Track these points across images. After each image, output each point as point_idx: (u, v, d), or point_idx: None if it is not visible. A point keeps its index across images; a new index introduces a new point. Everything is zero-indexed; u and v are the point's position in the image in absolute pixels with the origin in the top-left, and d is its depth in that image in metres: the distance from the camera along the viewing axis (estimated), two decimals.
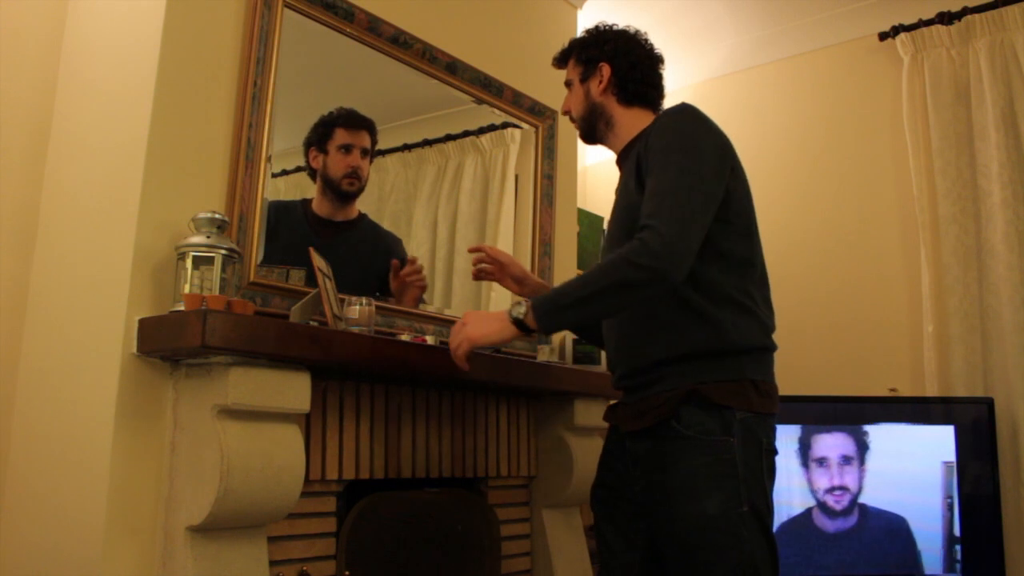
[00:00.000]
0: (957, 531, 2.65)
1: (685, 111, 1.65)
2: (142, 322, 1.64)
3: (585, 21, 3.11)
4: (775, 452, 1.61)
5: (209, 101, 1.85)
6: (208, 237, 1.65)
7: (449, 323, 2.22)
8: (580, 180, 3.38)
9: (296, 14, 2.03)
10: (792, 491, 2.71)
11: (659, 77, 1.82)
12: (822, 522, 2.70)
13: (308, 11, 2.06)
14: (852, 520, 2.69)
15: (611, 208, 1.78)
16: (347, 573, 1.86)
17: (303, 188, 2.18)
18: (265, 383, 1.60)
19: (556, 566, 2.36)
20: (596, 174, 3.87)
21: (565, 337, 2.64)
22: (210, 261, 1.64)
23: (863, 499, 2.70)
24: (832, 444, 2.73)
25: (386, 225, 2.35)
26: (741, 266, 1.61)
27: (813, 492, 2.71)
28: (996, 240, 2.87)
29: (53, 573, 1.66)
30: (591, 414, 2.38)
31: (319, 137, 2.18)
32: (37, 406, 1.82)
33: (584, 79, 1.81)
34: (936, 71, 3.10)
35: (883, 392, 3.03)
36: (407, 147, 2.45)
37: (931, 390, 2.93)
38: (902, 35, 3.18)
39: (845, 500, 2.70)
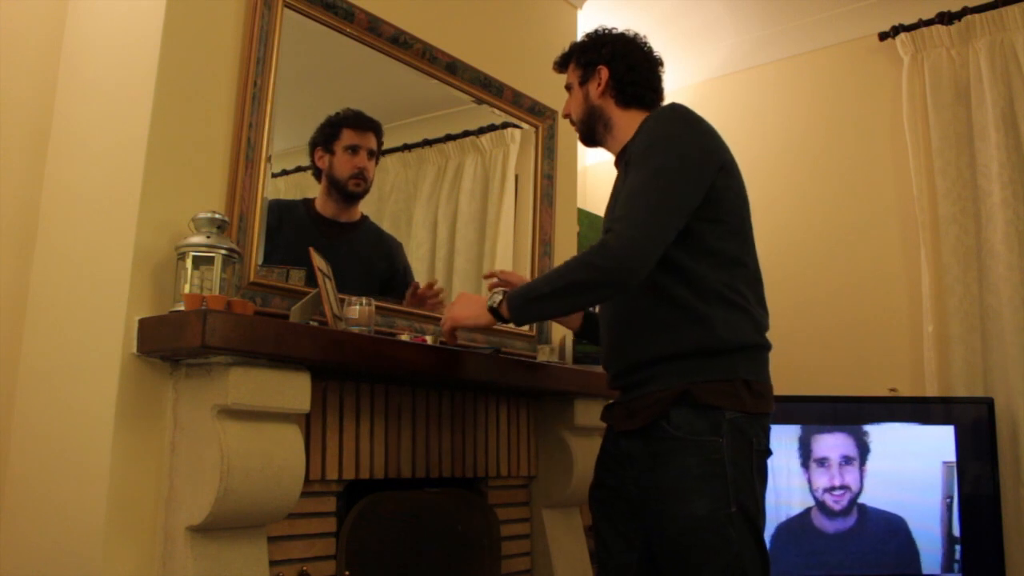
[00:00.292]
0: (957, 531, 2.65)
1: (671, 112, 1.67)
2: (142, 322, 1.64)
3: (585, 21, 3.12)
4: (768, 453, 1.61)
5: (209, 101, 1.85)
6: (208, 237, 1.65)
7: None
8: (580, 180, 3.38)
9: (296, 14, 2.03)
10: (792, 491, 2.71)
11: (658, 79, 1.83)
12: (821, 522, 2.70)
13: (308, 11, 2.06)
14: (851, 520, 2.69)
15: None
16: (347, 573, 1.86)
17: (303, 188, 2.17)
18: (265, 383, 1.60)
19: (556, 566, 2.36)
20: (596, 174, 3.87)
21: (565, 337, 2.64)
22: (210, 261, 1.64)
23: (863, 499, 2.70)
24: (833, 444, 2.73)
25: (386, 225, 2.35)
26: (732, 264, 1.61)
27: (813, 492, 2.71)
28: (996, 240, 2.87)
29: (53, 573, 1.66)
30: (591, 414, 2.38)
31: (325, 137, 2.18)
32: (37, 406, 1.82)
33: (583, 82, 1.83)
34: (936, 71, 3.10)
35: (883, 392, 3.03)
36: (407, 147, 2.45)
37: (931, 390, 2.93)
38: (902, 35, 3.18)
39: (845, 500, 2.70)
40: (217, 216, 1.67)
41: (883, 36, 3.25)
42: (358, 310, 1.84)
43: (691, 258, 1.58)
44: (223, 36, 1.89)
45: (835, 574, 2.65)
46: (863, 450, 2.72)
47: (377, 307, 1.94)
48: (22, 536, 1.77)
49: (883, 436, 2.73)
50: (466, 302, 1.77)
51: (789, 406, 2.74)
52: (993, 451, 2.67)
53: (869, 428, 2.74)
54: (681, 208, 1.56)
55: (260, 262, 1.89)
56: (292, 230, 2.07)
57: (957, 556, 2.64)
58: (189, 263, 1.63)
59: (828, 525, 2.69)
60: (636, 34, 1.86)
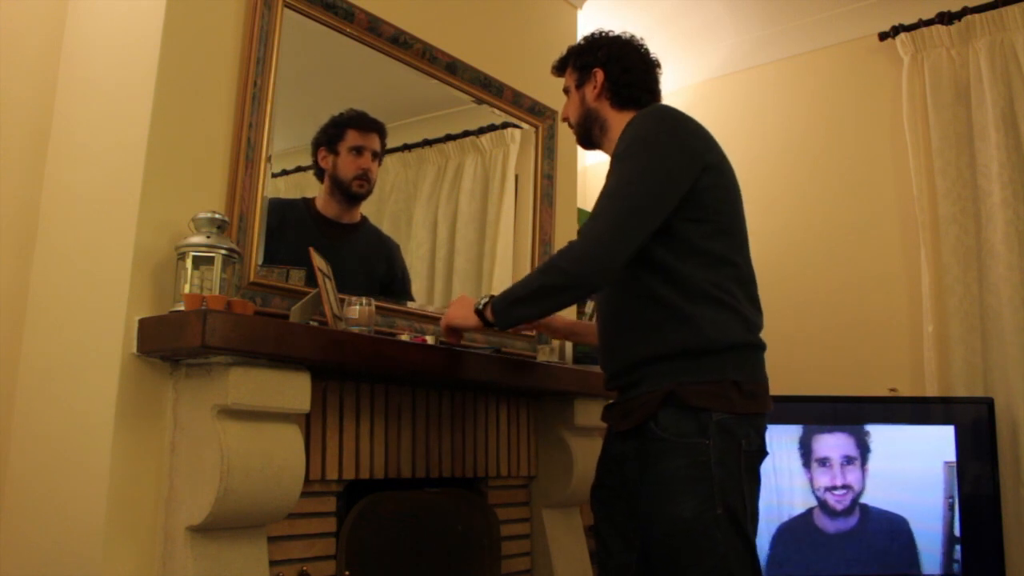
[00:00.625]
0: (957, 531, 2.65)
1: (652, 114, 1.67)
2: (142, 322, 1.64)
3: (585, 21, 3.12)
4: (761, 453, 1.61)
5: (209, 101, 1.85)
6: (208, 237, 1.65)
7: None
8: (580, 180, 3.38)
9: (296, 14, 2.03)
10: (794, 491, 2.71)
11: (654, 81, 1.84)
12: (823, 522, 2.70)
13: (308, 11, 2.06)
14: (853, 520, 2.69)
15: None
16: (347, 573, 1.86)
17: (303, 188, 2.17)
18: (265, 383, 1.60)
19: (556, 566, 2.36)
20: (596, 174, 3.87)
21: None
22: (210, 261, 1.64)
23: (864, 499, 2.70)
24: (834, 444, 2.73)
25: (386, 225, 2.35)
26: (721, 263, 1.61)
27: (814, 491, 2.71)
28: (996, 240, 2.87)
29: (53, 573, 1.66)
30: (591, 414, 2.38)
31: (329, 138, 2.17)
32: (37, 406, 1.82)
33: (580, 85, 1.84)
34: (936, 71, 3.10)
35: (883, 392, 3.03)
36: (407, 147, 2.45)
37: (931, 390, 2.93)
38: (902, 35, 3.18)
39: (847, 499, 2.70)
40: (217, 216, 1.67)
41: (883, 36, 3.25)
42: (358, 310, 1.84)
43: (677, 258, 1.59)
44: (223, 36, 1.89)
45: (836, 574, 2.65)
46: (864, 450, 2.72)
47: (377, 307, 1.94)
48: (22, 536, 1.77)
49: (883, 436, 2.73)
50: (459, 304, 1.80)
51: (789, 406, 2.74)
52: (993, 451, 2.67)
53: (870, 428, 2.74)
54: (652, 212, 1.57)
55: (260, 262, 1.89)
56: (294, 230, 2.07)
57: (957, 556, 2.64)
58: (189, 263, 1.63)
59: (830, 525, 2.69)
60: (632, 36, 1.86)
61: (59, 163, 1.96)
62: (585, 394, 2.37)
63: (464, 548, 2.20)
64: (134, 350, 1.63)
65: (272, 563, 1.71)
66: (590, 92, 1.81)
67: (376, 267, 2.29)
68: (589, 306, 2.54)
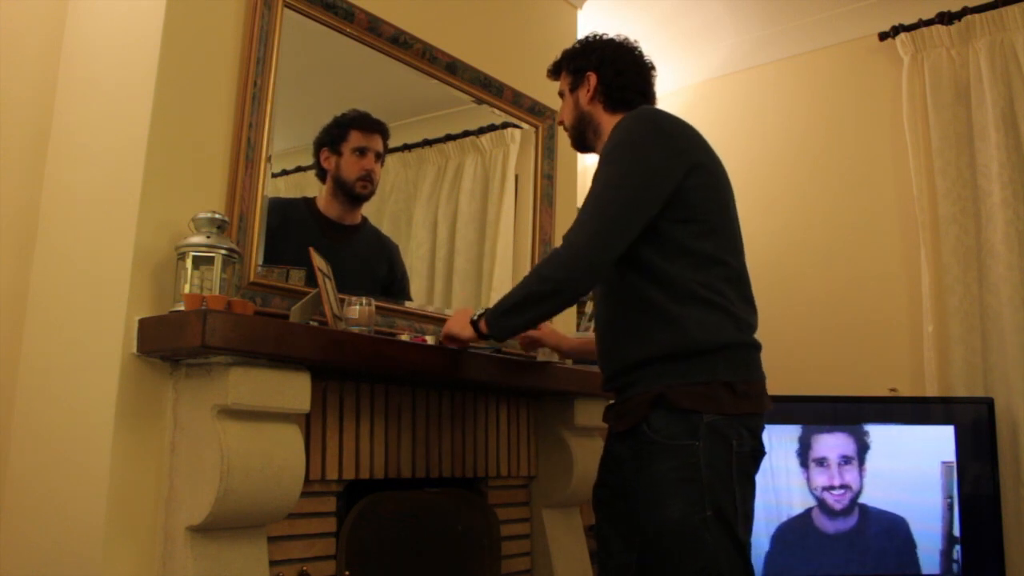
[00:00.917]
0: (957, 531, 2.65)
1: (635, 117, 1.67)
2: (142, 322, 1.64)
3: (585, 21, 3.12)
4: (757, 453, 1.61)
5: (209, 101, 1.85)
6: (208, 237, 1.65)
7: None
8: (580, 180, 3.37)
9: (296, 14, 2.03)
10: (792, 491, 2.71)
11: (647, 84, 1.84)
12: (822, 522, 2.70)
13: (308, 11, 2.06)
14: (852, 520, 2.69)
15: None
16: (347, 573, 1.86)
17: (303, 188, 2.17)
18: (265, 383, 1.60)
19: (556, 566, 2.36)
20: None
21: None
22: (210, 261, 1.64)
23: (863, 499, 2.70)
24: (832, 444, 2.73)
25: (386, 225, 2.35)
26: (710, 263, 1.61)
27: (812, 491, 2.71)
28: (996, 240, 2.87)
29: (53, 573, 1.66)
30: (591, 414, 2.38)
31: (332, 138, 2.17)
32: (37, 406, 1.82)
33: (573, 89, 1.85)
34: (936, 71, 3.10)
35: (883, 392, 3.03)
36: (407, 147, 2.45)
37: (931, 390, 2.93)
38: (902, 35, 3.18)
39: (846, 499, 2.70)
40: (217, 216, 1.67)
41: (883, 36, 3.25)
42: (358, 310, 1.84)
43: (665, 260, 1.59)
44: (223, 36, 1.89)
45: (836, 574, 2.65)
46: (863, 450, 2.72)
47: (377, 307, 1.94)
48: (22, 536, 1.77)
49: (883, 436, 2.73)
50: (457, 316, 1.83)
51: (789, 406, 2.74)
52: (993, 451, 2.67)
53: (869, 428, 2.74)
54: (635, 214, 1.57)
55: (260, 262, 1.89)
56: (296, 230, 2.07)
57: (957, 556, 2.64)
58: (189, 263, 1.63)
59: (829, 525, 2.69)
60: (626, 39, 1.86)
61: (59, 163, 1.96)
62: (585, 394, 2.36)
63: (464, 548, 2.20)
64: (134, 350, 1.63)
65: (272, 563, 1.71)
66: (583, 95, 1.82)
67: (377, 269, 2.29)
68: (589, 306, 2.54)
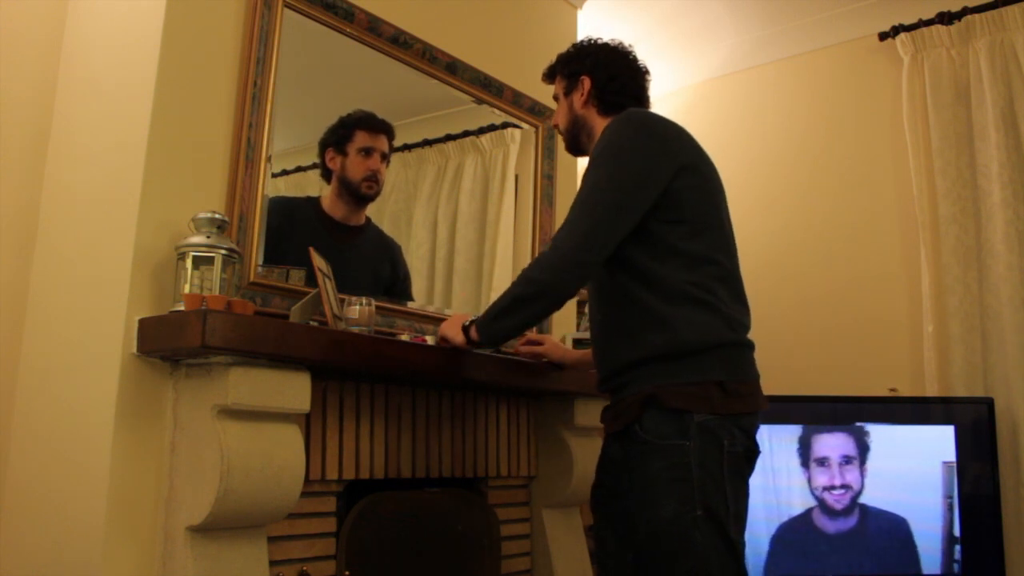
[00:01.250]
0: (957, 531, 2.65)
1: (624, 119, 1.68)
2: (142, 322, 1.64)
3: (585, 21, 3.12)
4: (749, 453, 1.61)
5: (209, 101, 1.85)
6: (208, 237, 1.65)
7: None
8: (580, 180, 3.38)
9: (296, 14, 2.03)
10: (792, 491, 2.71)
11: (641, 88, 1.85)
12: (822, 522, 2.70)
13: (308, 11, 2.06)
14: (852, 520, 2.69)
15: None
16: (347, 573, 1.86)
17: (303, 188, 2.17)
18: (265, 383, 1.60)
19: (556, 566, 2.36)
20: None
21: (565, 337, 2.64)
22: (210, 261, 1.64)
23: (863, 499, 2.70)
24: (833, 444, 2.73)
25: (386, 225, 2.35)
26: (701, 263, 1.61)
27: (813, 491, 2.71)
28: (996, 240, 2.87)
29: (53, 573, 1.66)
30: (591, 414, 2.38)
31: (338, 138, 2.17)
32: (37, 406, 1.82)
33: (567, 92, 1.86)
34: (936, 71, 3.10)
35: (883, 392, 3.03)
36: (407, 147, 2.45)
37: (931, 390, 2.93)
38: (902, 35, 3.18)
39: (846, 499, 2.70)
40: (217, 216, 1.67)
41: (883, 36, 3.25)
42: (358, 310, 1.84)
43: (656, 261, 1.59)
44: (223, 36, 1.89)
45: (836, 574, 2.65)
46: (863, 450, 2.72)
47: (377, 307, 1.94)
48: (22, 536, 1.77)
49: (883, 436, 2.73)
50: (451, 322, 1.83)
51: (789, 406, 2.74)
52: (993, 451, 2.67)
53: (869, 428, 2.74)
54: (622, 215, 1.58)
55: (260, 262, 1.89)
56: (301, 230, 2.07)
57: (957, 556, 2.64)
58: (189, 263, 1.64)
59: (829, 525, 2.69)
60: (620, 43, 1.87)
61: (59, 163, 1.96)
62: (585, 394, 2.36)
63: (464, 548, 2.20)
64: (134, 350, 1.63)
65: (272, 563, 1.71)
66: (577, 99, 1.83)
67: (381, 270, 2.29)
68: None
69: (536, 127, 2.73)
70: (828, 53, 3.46)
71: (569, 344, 2.62)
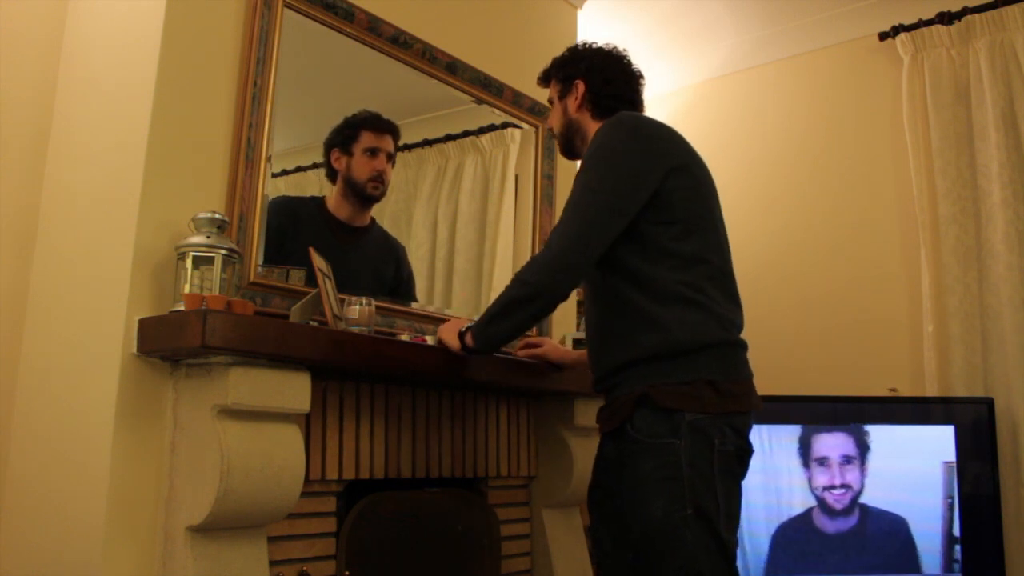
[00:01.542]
0: (957, 531, 2.65)
1: (614, 122, 1.69)
2: (142, 322, 1.64)
3: (585, 21, 3.12)
4: (741, 452, 1.61)
5: (209, 101, 1.85)
6: (208, 237, 1.65)
7: None
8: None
9: (296, 14, 2.03)
10: (793, 491, 2.71)
11: (635, 92, 1.86)
12: (822, 522, 2.70)
13: (308, 11, 2.06)
14: (852, 520, 2.69)
15: None
16: (347, 573, 1.86)
17: (303, 188, 2.17)
18: (265, 383, 1.60)
19: (556, 566, 2.36)
20: None
21: (565, 337, 2.64)
22: (210, 261, 1.64)
23: (863, 499, 2.70)
24: (833, 444, 2.73)
25: (386, 225, 2.35)
26: (693, 263, 1.62)
27: (813, 491, 2.71)
28: (996, 240, 2.87)
29: (53, 573, 1.66)
30: (591, 414, 2.37)
31: (344, 139, 2.17)
32: (37, 406, 1.82)
33: (562, 96, 1.87)
34: (936, 71, 3.10)
35: (883, 392, 3.03)
36: (407, 147, 2.45)
37: (931, 390, 2.93)
38: (902, 35, 3.18)
39: (847, 499, 2.70)
40: (217, 216, 1.67)
41: (883, 36, 3.25)
42: (358, 310, 1.84)
43: (648, 261, 1.60)
44: (223, 36, 1.89)
45: (836, 574, 2.65)
46: (863, 450, 2.72)
47: (377, 307, 1.94)
48: (22, 536, 1.77)
49: (883, 436, 2.73)
50: (448, 327, 1.84)
51: (789, 406, 2.74)
52: (993, 451, 2.67)
53: (869, 428, 2.74)
54: (614, 217, 1.59)
55: (260, 262, 1.89)
56: (306, 230, 2.07)
57: (957, 556, 2.64)
58: (189, 263, 1.64)
59: (829, 525, 2.69)
60: (615, 47, 1.88)
61: (59, 163, 1.96)
62: (585, 394, 2.36)
63: (464, 548, 2.20)
64: (134, 350, 1.63)
65: (272, 563, 1.71)
66: (572, 103, 1.84)
67: (385, 271, 2.29)
68: None
69: (536, 127, 2.73)
70: (828, 53, 3.46)
71: (569, 344, 2.62)
